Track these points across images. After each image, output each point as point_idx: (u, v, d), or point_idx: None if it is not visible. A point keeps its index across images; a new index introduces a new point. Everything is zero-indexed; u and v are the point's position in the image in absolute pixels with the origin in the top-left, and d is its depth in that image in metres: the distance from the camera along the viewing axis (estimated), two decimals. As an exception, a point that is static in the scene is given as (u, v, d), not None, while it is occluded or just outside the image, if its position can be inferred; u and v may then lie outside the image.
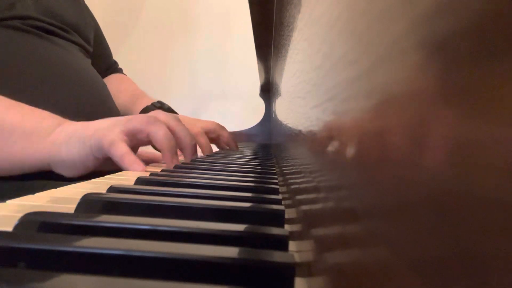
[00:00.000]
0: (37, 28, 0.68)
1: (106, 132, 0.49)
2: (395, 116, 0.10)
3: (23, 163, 0.50)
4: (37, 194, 0.33)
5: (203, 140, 0.80)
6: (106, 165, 0.52)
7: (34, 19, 0.68)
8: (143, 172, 0.47)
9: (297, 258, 0.20)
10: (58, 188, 0.37)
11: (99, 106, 0.70)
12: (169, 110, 0.86)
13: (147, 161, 0.62)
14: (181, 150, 0.58)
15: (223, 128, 0.90)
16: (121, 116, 0.57)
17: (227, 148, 0.91)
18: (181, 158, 0.59)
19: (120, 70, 1.07)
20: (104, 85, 0.78)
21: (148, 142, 0.53)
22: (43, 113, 0.52)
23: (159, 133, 0.51)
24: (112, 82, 0.98)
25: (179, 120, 0.58)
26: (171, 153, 0.53)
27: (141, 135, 0.51)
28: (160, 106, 0.86)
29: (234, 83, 1.76)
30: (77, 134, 0.50)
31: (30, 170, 0.51)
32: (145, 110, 0.85)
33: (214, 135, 0.86)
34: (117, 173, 0.48)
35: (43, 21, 0.70)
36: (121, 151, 0.48)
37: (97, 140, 0.48)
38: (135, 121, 0.51)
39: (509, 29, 0.06)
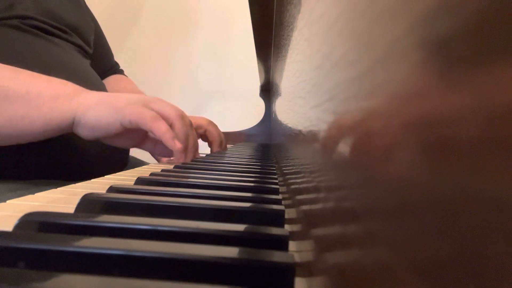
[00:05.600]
0: (36, 28, 0.68)
1: (143, 110, 0.54)
2: (395, 116, 0.10)
3: (51, 123, 0.54)
4: (37, 194, 0.33)
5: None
6: (122, 139, 0.58)
7: (33, 19, 0.68)
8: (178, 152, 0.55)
9: (297, 258, 0.20)
10: (58, 188, 0.37)
11: None
12: None
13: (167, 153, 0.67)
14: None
15: (211, 124, 0.87)
16: (146, 96, 0.63)
17: (214, 146, 0.86)
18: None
19: (121, 71, 1.07)
20: (103, 86, 0.78)
21: None
22: (64, 81, 0.57)
23: (182, 130, 0.57)
24: (110, 82, 0.98)
25: (191, 126, 0.62)
26: (184, 149, 0.58)
27: (166, 122, 0.57)
28: None
29: (234, 83, 1.76)
30: (108, 101, 0.55)
31: (57, 130, 0.55)
32: None
33: (201, 130, 0.85)
34: (117, 173, 0.48)
35: (42, 22, 0.70)
36: (164, 128, 0.54)
37: (136, 114, 0.54)
38: (169, 108, 0.57)
39: (509, 29, 0.06)
